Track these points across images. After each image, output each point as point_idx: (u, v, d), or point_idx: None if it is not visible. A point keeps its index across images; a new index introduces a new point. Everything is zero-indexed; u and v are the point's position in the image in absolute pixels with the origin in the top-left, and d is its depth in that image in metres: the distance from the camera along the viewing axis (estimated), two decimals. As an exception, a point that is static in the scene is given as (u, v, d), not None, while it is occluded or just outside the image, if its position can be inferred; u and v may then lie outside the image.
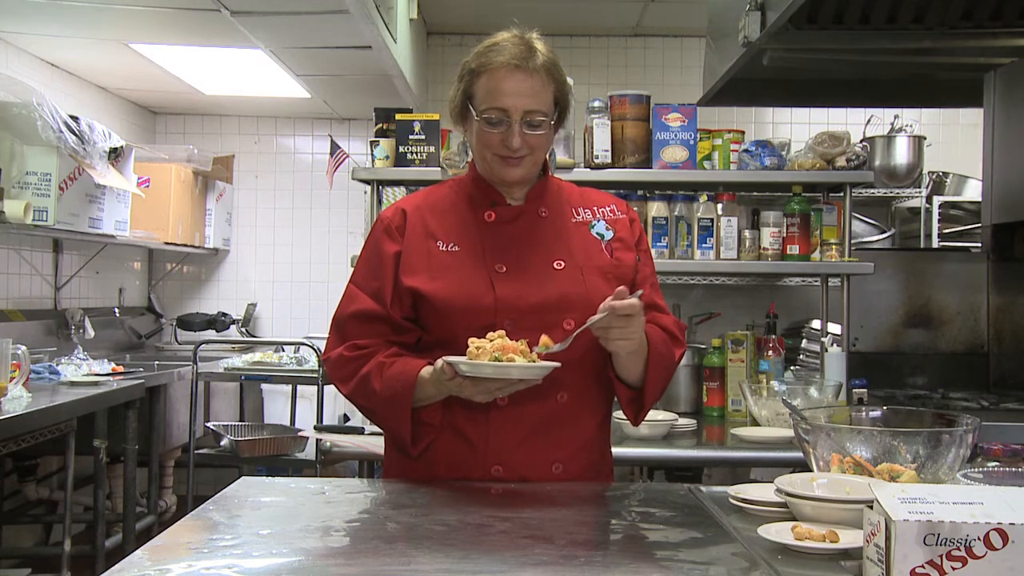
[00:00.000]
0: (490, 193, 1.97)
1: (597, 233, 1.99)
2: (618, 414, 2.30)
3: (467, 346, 1.76)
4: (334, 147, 3.95)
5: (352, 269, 2.06)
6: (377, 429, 2.94)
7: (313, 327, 5.69)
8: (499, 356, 1.72)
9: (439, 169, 3.37)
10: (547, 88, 1.89)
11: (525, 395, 1.82)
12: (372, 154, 3.45)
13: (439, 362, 1.77)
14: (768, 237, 3.38)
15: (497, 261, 1.91)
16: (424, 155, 3.39)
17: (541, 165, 1.98)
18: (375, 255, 1.96)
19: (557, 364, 1.76)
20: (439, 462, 1.90)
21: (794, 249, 3.36)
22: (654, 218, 3.39)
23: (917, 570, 1.18)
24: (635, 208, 2.99)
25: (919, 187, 4.93)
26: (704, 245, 3.38)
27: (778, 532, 1.46)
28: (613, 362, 1.90)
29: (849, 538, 1.41)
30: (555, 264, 1.92)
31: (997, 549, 1.18)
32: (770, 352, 3.36)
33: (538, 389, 1.81)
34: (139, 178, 4.66)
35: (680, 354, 2.00)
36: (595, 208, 2.03)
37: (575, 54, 5.69)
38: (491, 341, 1.74)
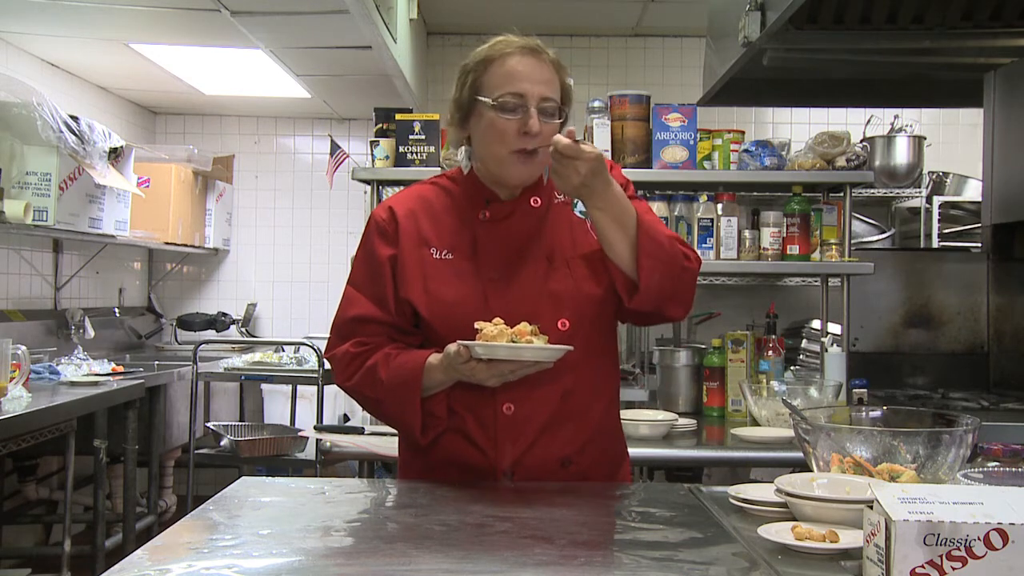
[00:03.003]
0: (484, 191, 1.94)
1: (580, 212, 1.94)
2: (623, 415, 2.26)
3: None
4: (334, 147, 3.95)
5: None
6: (377, 429, 2.94)
7: (313, 327, 5.69)
8: (515, 339, 1.72)
9: (439, 169, 3.37)
10: (556, 81, 1.87)
11: (529, 397, 1.82)
12: (372, 154, 3.46)
13: (452, 345, 1.75)
14: (768, 237, 3.38)
15: (490, 268, 1.89)
16: (424, 155, 3.39)
17: (545, 166, 1.94)
18: (372, 258, 1.94)
19: (570, 347, 1.76)
20: (451, 466, 1.89)
21: (794, 249, 3.36)
22: (654, 218, 3.38)
23: (917, 570, 1.18)
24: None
25: (919, 187, 4.94)
26: (704, 245, 3.38)
27: (778, 532, 1.46)
28: (598, 237, 1.83)
29: (849, 538, 1.41)
30: (545, 261, 1.89)
31: (997, 549, 1.18)
32: (770, 352, 3.36)
33: (542, 385, 1.82)
34: (139, 178, 4.66)
35: (687, 256, 1.84)
36: None
37: (575, 54, 5.69)
38: (496, 326, 1.74)
